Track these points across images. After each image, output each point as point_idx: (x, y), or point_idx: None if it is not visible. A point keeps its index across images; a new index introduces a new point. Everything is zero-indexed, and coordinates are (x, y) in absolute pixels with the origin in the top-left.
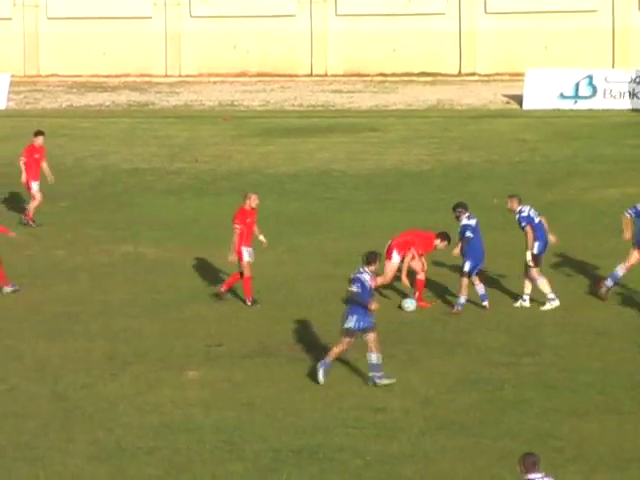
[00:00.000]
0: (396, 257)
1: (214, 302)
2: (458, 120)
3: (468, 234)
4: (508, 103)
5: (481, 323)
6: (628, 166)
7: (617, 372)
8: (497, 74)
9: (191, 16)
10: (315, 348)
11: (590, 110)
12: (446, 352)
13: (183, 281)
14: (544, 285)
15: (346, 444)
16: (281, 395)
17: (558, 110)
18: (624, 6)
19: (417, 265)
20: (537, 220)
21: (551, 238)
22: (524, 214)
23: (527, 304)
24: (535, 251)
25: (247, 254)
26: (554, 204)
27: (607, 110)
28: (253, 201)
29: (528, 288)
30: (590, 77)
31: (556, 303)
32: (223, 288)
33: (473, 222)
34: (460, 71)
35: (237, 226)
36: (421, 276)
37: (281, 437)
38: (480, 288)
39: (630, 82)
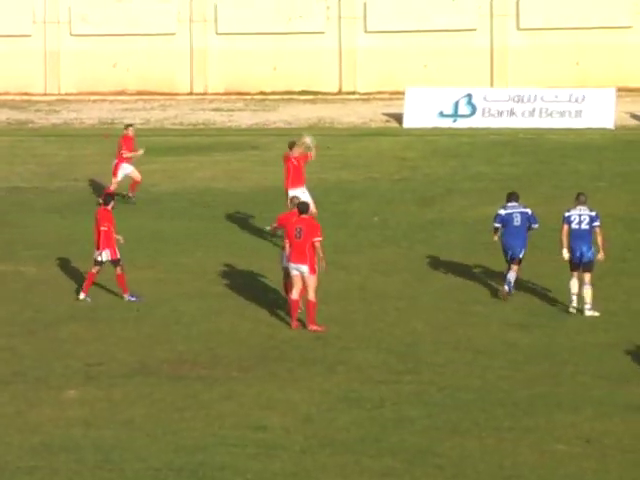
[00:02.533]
0: None
1: (93, 321)
2: (339, 138)
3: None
4: (388, 121)
5: (362, 342)
6: (506, 184)
7: (496, 390)
8: (377, 92)
9: (71, 34)
10: (196, 366)
11: (469, 128)
12: (327, 370)
13: (62, 300)
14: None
15: (227, 463)
16: (161, 414)
17: (438, 128)
18: (502, 25)
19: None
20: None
21: None
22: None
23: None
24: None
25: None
26: (434, 222)
27: (486, 128)
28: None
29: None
30: (469, 96)
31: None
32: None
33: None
34: (340, 90)
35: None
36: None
37: (161, 456)
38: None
39: (509, 101)
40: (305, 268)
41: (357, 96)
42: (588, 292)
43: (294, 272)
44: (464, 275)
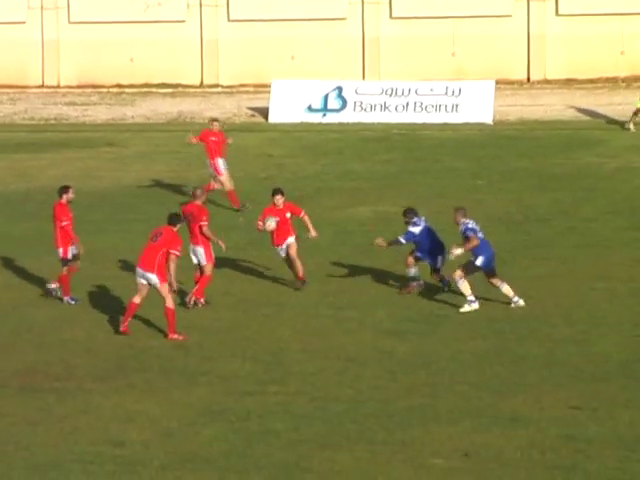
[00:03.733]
0: None
1: None
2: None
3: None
4: (253, 116)
5: (225, 350)
6: (379, 183)
7: (369, 400)
8: (241, 85)
9: None
10: (51, 376)
11: (340, 124)
12: (188, 381)
13: None
14: (465, 287)
15: None
16: (11, 429)
17: (306, 123)
18: (374, 14)
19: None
20: (481, 235)
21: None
22: (470, 225)
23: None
24: (478, 263)
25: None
26: (302, 223)
27: (358, 124)
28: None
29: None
30: (339, 89)
31: (475, 306)
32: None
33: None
34: (202, 82)
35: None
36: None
37: (11, 474)
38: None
39: (381, 94)
40: (154, 277)
41: (220, 89)
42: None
43: (141, 280)
44: (336, 279)
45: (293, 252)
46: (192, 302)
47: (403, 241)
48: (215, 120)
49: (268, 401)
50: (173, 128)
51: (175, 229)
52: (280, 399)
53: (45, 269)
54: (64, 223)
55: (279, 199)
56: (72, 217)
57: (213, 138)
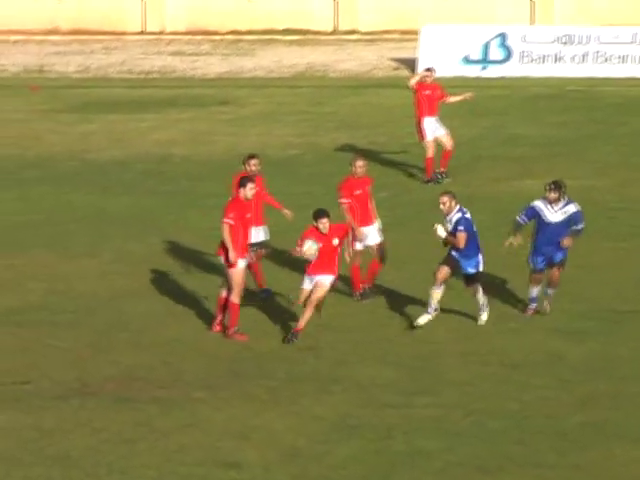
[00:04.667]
0: None
1: (19, 326)
2: (334, 91)
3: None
4: (398, 69)
5: (363, 354)
6: (550, 150)
7: (537, 415)
8: (384, 32)
9: None
10: (152, 383)
11: (503, 78)
12: (319, 390)
13: None
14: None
15: None
16: (104, 447)
17: (462, 78)
18: None
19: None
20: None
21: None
22: (467, 216)
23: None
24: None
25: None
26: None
27: (525, 78)
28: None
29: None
30: (503, 36)
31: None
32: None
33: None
34: (336, 28)
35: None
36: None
37: None
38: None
39: (554, 42)
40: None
41: (358, 36)
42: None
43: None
44: (495, 269)
45: (318, 295)
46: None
47: (526, 219)
48: (430, 70)
49: (415, 415)
50: (301, 84)
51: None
52: (430, 413)
53: (146, 253)
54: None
55: (325, 223)
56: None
57: (427, 92)
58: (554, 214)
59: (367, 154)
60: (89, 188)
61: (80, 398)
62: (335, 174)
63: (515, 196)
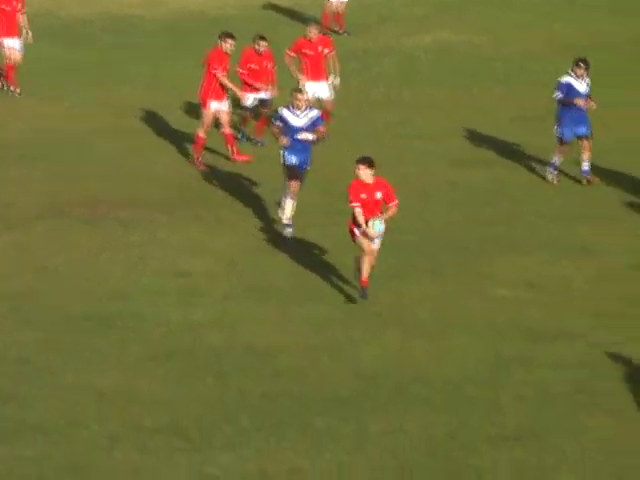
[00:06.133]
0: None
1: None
2: None
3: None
4: None
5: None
6: (445, 10)
7: (441, 234)
8: None
9: None
10: (114, 208)
11: None
12: (257, 212)
13: None
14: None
15: (147, 311)
16: (76, 259)
17: None
18: None
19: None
20: None
21: None
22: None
23: None
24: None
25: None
26: (368, 51)
27: None
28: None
29: None
30: None
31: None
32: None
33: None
34: None
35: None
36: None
37: (75, 305)
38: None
39: None
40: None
41: None
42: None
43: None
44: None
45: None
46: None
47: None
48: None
49: (330, 232)
50: None
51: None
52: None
53: (106, 98)
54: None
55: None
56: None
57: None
58: (582, 86)
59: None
60: (58, 42)
61: (54, 219)
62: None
63: (416, 48)
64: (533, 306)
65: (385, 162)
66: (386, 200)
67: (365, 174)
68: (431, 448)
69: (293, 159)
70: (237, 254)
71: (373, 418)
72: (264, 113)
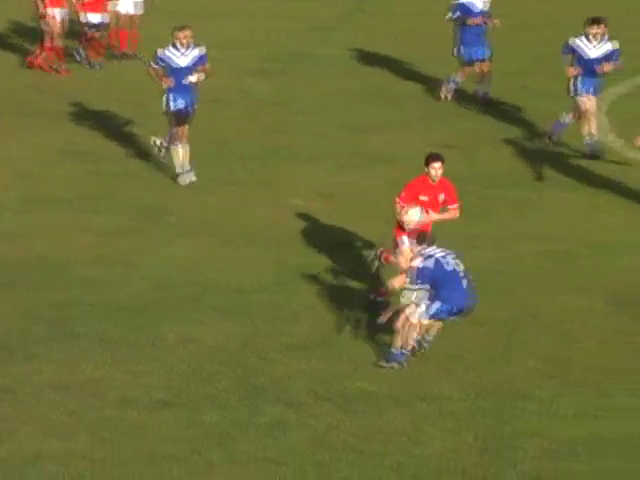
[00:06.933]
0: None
1: None
2: None
3: None
4: None
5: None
6: None
7: (232, 143)
8: None
9: None
10: None
11: None
12: (51, 123)
13: None
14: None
15: None
16: None
17: None
18: None
19: None
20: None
21: None
22: None
23: None
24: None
25: None
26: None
27: None
28: None
29: None
30: None
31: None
32: None
33: None
34: None
35: None
36: None
37: None
38: None
39: None
40: None
41: None
42: None
43: None
44: None
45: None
46: None
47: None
48: None
49: (130, 145)
50: None
51: None
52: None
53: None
54: None
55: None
56: None
57: None
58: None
59: None
60: None
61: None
62: None
63: None
64: (327, 215)
65: None
66: (447, 202)
67: (438, 175)
68: (226, 357)
69: (180, 103)
70: (30, 165)
71: (168, 327)
72: (97, 36)
